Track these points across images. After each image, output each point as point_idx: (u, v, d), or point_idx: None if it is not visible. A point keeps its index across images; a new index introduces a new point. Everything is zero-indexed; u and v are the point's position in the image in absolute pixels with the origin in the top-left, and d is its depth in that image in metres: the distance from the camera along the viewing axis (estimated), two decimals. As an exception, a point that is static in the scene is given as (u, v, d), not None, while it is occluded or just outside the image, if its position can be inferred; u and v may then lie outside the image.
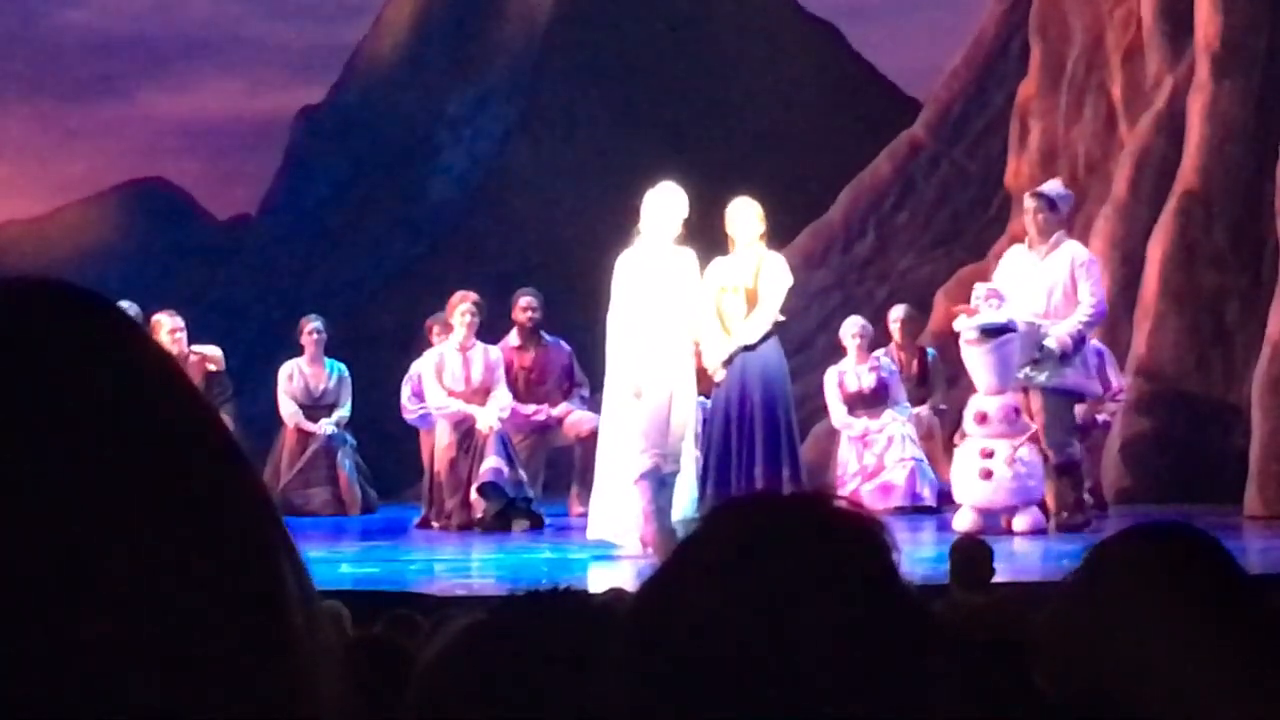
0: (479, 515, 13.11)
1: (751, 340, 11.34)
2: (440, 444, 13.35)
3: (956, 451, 12.26)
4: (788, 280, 11.59)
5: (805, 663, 1.37)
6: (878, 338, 14.94)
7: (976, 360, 11.81)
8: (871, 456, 14.23)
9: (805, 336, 18.13)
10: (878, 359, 14.60)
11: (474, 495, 13.13)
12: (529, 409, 13.90)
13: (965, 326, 11.73)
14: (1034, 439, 11.79)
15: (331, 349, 15.06)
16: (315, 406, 14.74)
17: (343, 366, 14.94)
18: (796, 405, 11.95)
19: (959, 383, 16.52)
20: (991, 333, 11.61)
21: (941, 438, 14.99)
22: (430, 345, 14.02)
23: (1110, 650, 2.01)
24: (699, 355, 11.27)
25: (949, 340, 17.21)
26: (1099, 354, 13.45)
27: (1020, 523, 11.72)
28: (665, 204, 10.90)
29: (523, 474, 13.30)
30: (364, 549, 12.20)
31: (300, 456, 14.56)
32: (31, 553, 0.97)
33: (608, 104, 26.80)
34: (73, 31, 31.64)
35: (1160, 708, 1.98)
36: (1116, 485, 14.85)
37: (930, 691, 1.41)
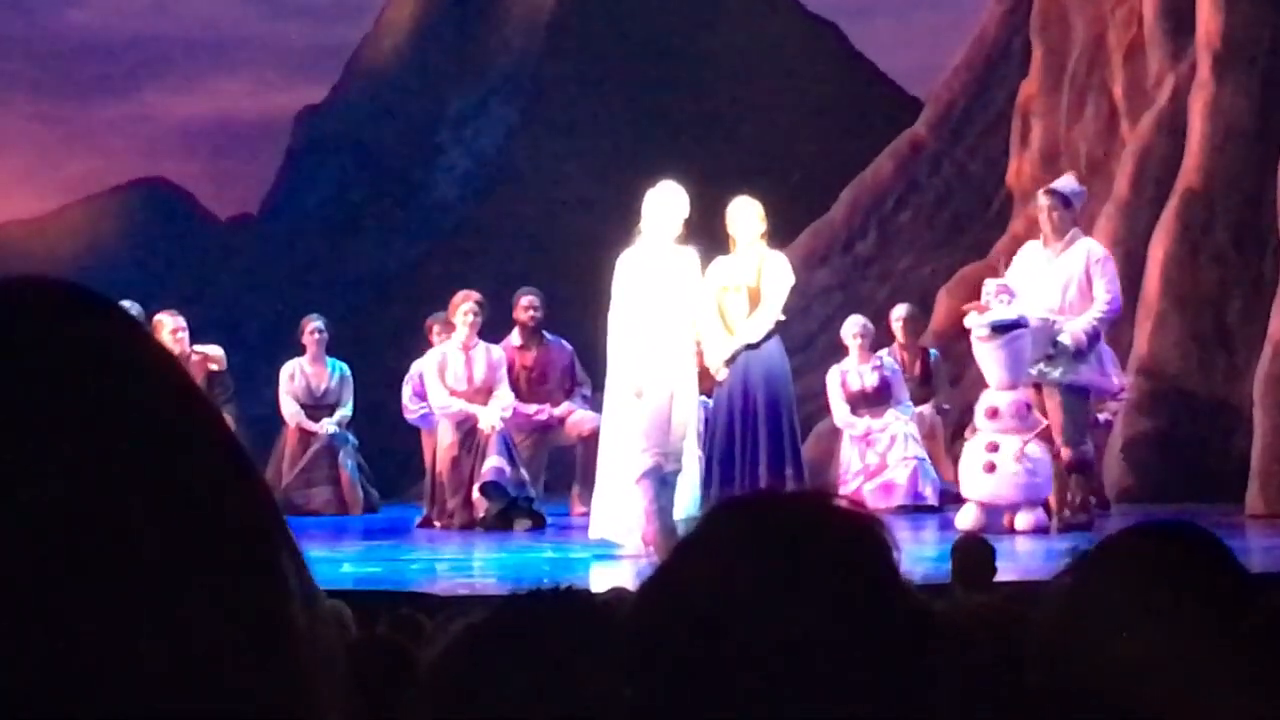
0: (481, 515, 13.11)
1: (754, 339, 11.34)
2: (442, 443, 13.35)
3: (965, 445, 12.26)
4: (790, 279, 11.59)
5: (806, 661, 1.38)
6: (880, 337, 14.93)
7: (988, 355, 11.80)
8: (874, 456, 14.23)
9: (806, 336, 18.13)
10: (880, 358, 14.60)
11: (476, 494, 13.13)
12: (531, 408, 13.90)
13: (976, 323, 11.72)
14: (1044, 435, 11.77)
15: (333, 348, 15.06)
16: (317, 406, 14.74)
17: (344, 366, 14.94)
18: (798, 404, 11.95)
19: (961, 382, 16.53)
20: (1002, 329, 11.61)
21: (944, 437, 14.99)
22: (430, 344, 14.02)
23: (1111, 649, 2.01)
24: (701, 355, 11.26)
25: (951, 340, 17.23)
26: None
27: (1022, 522, 11.71)
28: (666, 203, 10.89)
29: (524, 473, 13.29)
30: (366, 548, 12.20)
31: (302, 456, 14.56)
32: (33, 552, 0.97)
33: (609, 103, 26.80)
34: (74, 32, 31.65)
35: (1161, 707, 1.98)
36: (1118, 484, 14.85)
37: (931, 690, 1.41)
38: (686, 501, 10.70)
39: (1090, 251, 11.99)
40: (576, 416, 13.96)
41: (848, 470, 14.28)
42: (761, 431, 11.27)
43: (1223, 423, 15.19)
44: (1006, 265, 15.60)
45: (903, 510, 13.58)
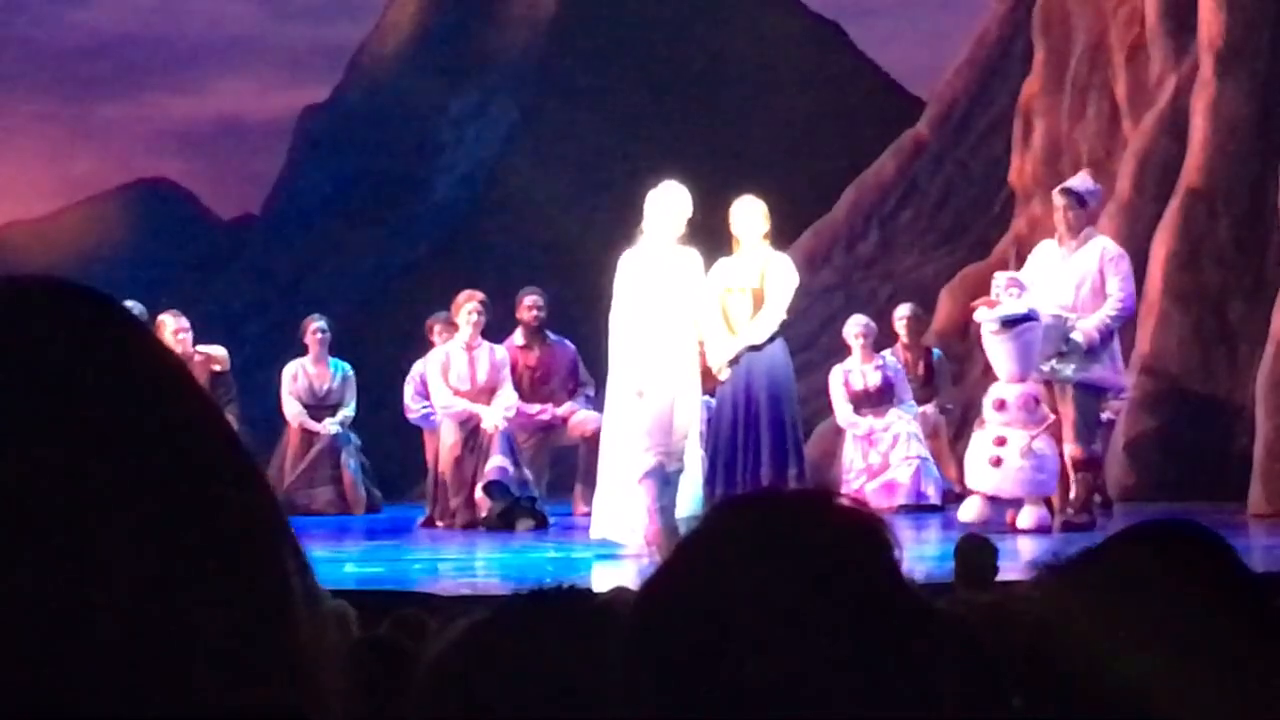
0: (483, 514, 13.10)
1: (758, 341, 11.34)
2: (445, 443, 13.35)
3: (972, 437, 12.25)
4: (794, 281, 11.59)
5: (808, 660, 1.38)
6: (882, 337, 14.93)
7: (998, 348, 11.79)
8: (876, 455, 14.22)
9: (808, 335, 18.12)
10: (882, 358, 14.60)
11: (479, 494, 13.13)
12: (533, 408, 13.90)
13: (986, 318, 11.72)
14: (1051, 431, 11.75)
15: (335, 348, 15.06)
16: (319, 406, 14.74)
17: (347, 366, 14.94)
18: (800, 404, 11.95)
19: (964, 382, 16.53)
20: (1012, 323, 11.61)
21: (947, 437, 14.99)
22: (431, 344, 14.02)
23: (1114, 649, 2.01)
24: (703, 354, 11.26)
25: (954, 339, 17.24)
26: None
27: (1025, 520, 11.70)
28: (669, 203, 10.88)
29: (527, 473, 13.29)
30: (368, 548, 12.20)
31: (304, 456, 14.56)
32: (36, 551, 0.97)
33: (610, 103, 26.79)
34: (78, 32, 31.66)
35: (1164, 707, 1.98)
36: (1120, 483, 14.84)
37: (934, 689, 1.42)
38: (689, 501, 10.69)
39: (1104, 250, 11.99)
40: (579, 416, 13.96)
41: (850, 470, 14.27)
42: (764, 431, 11.27)
43: (1225, 422, 15.19)
44: (1008, 264, 15.63)
45: (905, 510, 13.58)
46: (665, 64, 26.87)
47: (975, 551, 7.60)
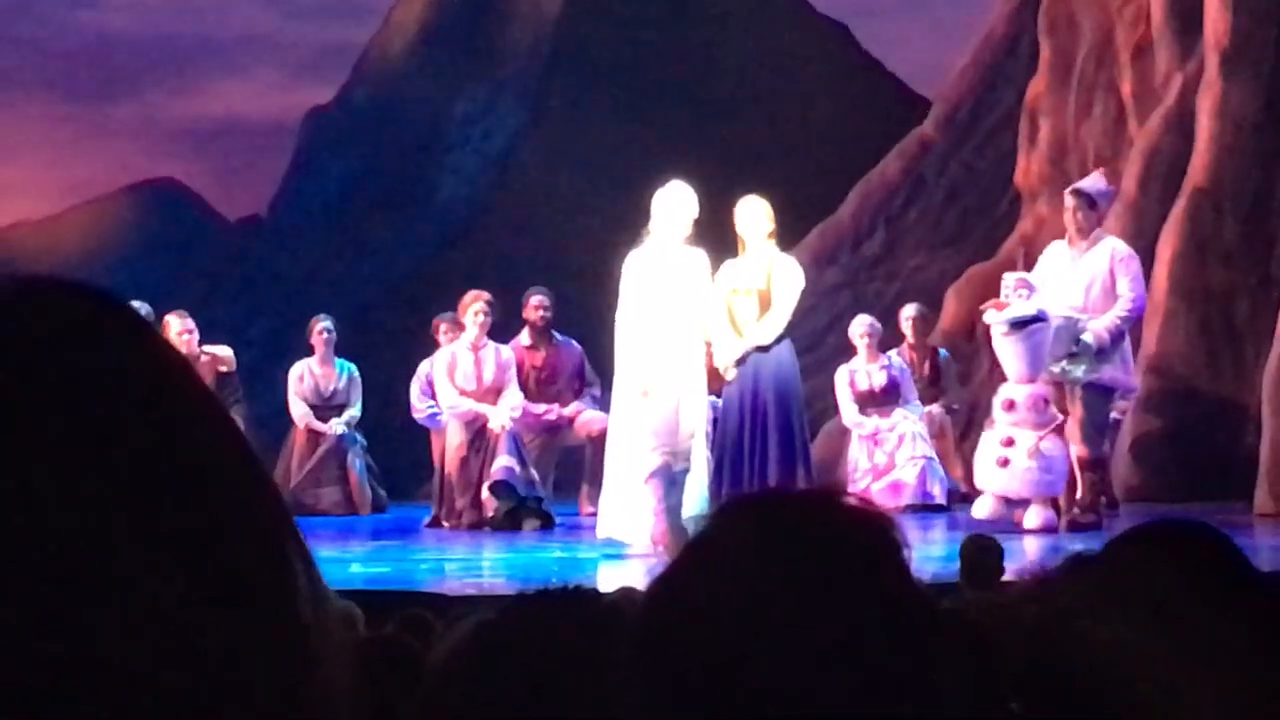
0: (490, 514, 13.11)
1: (765, 342, 11.34)
2: (451, 443, 13.35)
3: (981, 437, 12.25)
4: (801, 283, 11.59)
5: (815, 660, 1.38)
6: (889, 337, 14.93)
7: (1007, 349, 11.80)
8: (882, 455, 14.22)
9: (814, 335, 18.12)
10: (888, 358, 14.60)
11: (485, 494, 13.13)
12: (540, 408, 13.91)
13: (996, 320, 11.72)
14: (1059, 431, 11.75)
15: (342, 349, 15.06)
16: (326, 406, 14.75)
17: (353, 366, 14.95)
18: (806, 404, 11.95)
19: (970, 382, 16.53)
20: (1021, 325, 11.61)
21: (953, 436, 14.99)
22: (437, 344, 14.03)
23: (1121, 648, 2.01)
24: (710, 355, 11.26)
25: (960, 339, 17.23)
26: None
27: (1031, 520, 11.70)
28: (675, 203, 10.89)
29: (534, 473, 13.30)
30: (374, 548, 12.21)
31: (310, 456, 14.57)
32: (41, 550, 0.97)
33: (617, 103, 26.80)
34: (84, 33, 31.68)
35: (1171, 707, 1.98)
36: (1126, 483, 14.83)
37: (940, 688, 1.41)
38: (694, 501, 10.70)
39: (1115, 250, 11.99)
40: (585, 416, 13.96)
41: (856, 469, 14.28)
42: (771, 431, 11.27)
43: (1231, 421, 15.18)
44: (1015, 264, 15.63)
45: (911, 509, 13.58)
46: (671, 65, 26.87)
47: (980, 551, 7.60)
